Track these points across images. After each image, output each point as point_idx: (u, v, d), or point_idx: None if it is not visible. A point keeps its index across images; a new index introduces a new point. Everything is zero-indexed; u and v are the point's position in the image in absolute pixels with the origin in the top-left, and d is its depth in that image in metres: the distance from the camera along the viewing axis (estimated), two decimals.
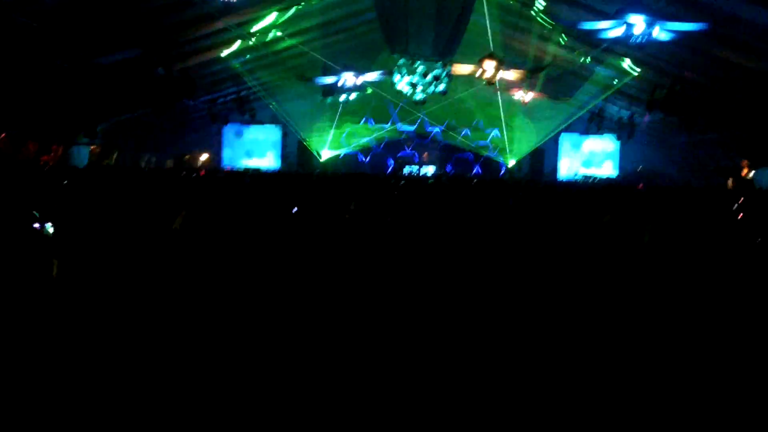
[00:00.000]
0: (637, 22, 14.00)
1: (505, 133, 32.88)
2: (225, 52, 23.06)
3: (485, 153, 34.16)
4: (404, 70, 23.07)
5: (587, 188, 19.85)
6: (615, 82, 24.22)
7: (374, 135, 33.84)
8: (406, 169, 33.50)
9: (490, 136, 33.53)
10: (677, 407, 4.51)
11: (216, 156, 34.00)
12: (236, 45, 22.65)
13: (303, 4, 20.48)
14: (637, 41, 14.34)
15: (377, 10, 20.65)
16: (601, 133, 32.21)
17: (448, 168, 34.29)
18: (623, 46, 18.77)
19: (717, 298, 6.19)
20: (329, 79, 24.42)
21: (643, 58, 20.23)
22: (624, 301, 6.11)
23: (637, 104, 25.87)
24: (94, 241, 7.49)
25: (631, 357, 5.15)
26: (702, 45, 17.09)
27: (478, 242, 8.39)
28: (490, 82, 22.20)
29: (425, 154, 34.98)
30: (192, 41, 20.82)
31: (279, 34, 22.94)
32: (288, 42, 24.16)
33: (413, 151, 34.96)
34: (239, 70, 25.60)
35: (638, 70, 21.59)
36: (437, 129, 33.90)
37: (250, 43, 22.38)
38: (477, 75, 22.34)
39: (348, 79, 23.65)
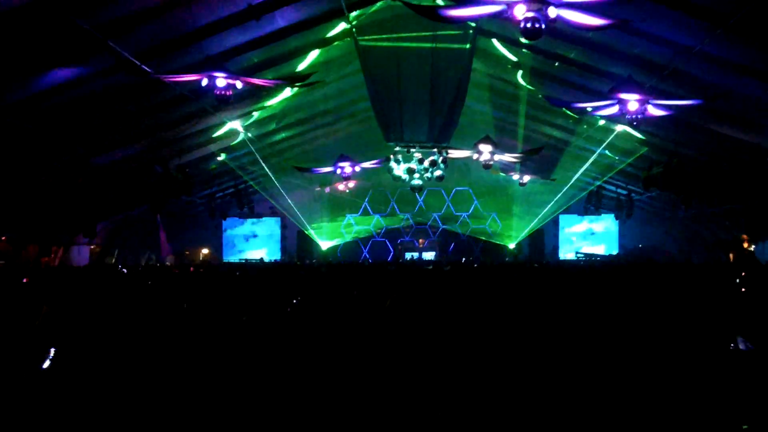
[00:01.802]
0: (631, 99, 14.06)
1: (504, 215, 33.01)
2: (221, 147, 23.21)
3: (484, 237, 34.23)
4: (401, 157, 23.18)
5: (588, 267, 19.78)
6: (621, 165, 24.21)
7: (373, 223, 33.94)
8: (407, 255, 33.48)
9: (489, 220, 33.64)
10: None
11: (216, 250, 34.02)
12: (233, 139, 22.80)
13: (297, 95, 20.66)
14: (632, 119, 14.37)
15: (371, 99, 20.82)
16: (599, 213, 32.31)
17: (449, 253, 34.30)
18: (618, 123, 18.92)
19: (722, 375, 6.07)
20: (326, 169, 24.52)
21: (637, 135, 20.35)
22: (626, 380, 5.98)
23: (634, 182, 25.93)
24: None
25: None
26: (697, 120, 17.18)
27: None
28: (487, 166, 22.26)
29: (421, 240, 35.01)
30: (188, 137, 20.94)
31: (274, 126, 23.12)
32: (284, 134, 24.34)
33: (412, 238, 34.99)
34: (235, 165, 25.75)
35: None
36: (435, 215, 34.02)
37: (245, 136, 22.50)
38: (473, 159, 22.44)
39: (345, 167, 23.74)
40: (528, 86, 19.94)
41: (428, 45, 18.35)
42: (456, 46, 18.48)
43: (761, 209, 20.67)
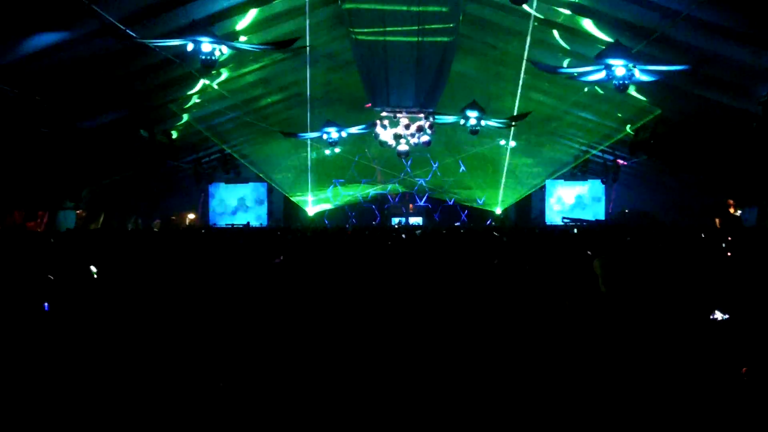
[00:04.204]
0: (617, 65, 14.08)
1: (491, 181, 32.99)
2: (206, 112, 23.07)
3: (471, 203, 34.24)
4: (387, 123, 23.13)
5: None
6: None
7: (360, 188, 33.89)
8: (394, 221, 33.50)
9: (475, 186, 33.62)
10: None
11: (202, 215, 33.96)
12: (218, 104, 22.66)
13: (283, 60, 20.55)
14: (619, 84, 14.38)
15: (358, 64, 20.76)
16: (586, 179, 32.40)
17: (436, 218, 34.38)
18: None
19: (708, 340, 6.12)
20: (312, 134, 24.46)
21: (625, 100, 20.30)
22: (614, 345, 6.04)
23: (621, 147, 25.95)
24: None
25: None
26: (683, 85, 17.19)
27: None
28: (474, 131, 22.22)
29: (411, 205, 35.03)
30: (173, 102, 20.84)
31: (260, 90, 23.00)
32: (270, 98, 24.22)
33: (399, 204, 35.00)
34: (221, 131, 25.63)
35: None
36: (422, 180, 33.98)
37: (227, 96, 22.31)
38: (460, 124, 22.38)
39: (331, 133, 23.68)
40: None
41: (414, 38, 18.61)
42: (441, 29, 18.68)
43: (747, 174, 20.75)
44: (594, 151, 28.01)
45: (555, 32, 17.66)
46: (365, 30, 18.84)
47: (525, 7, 15.35)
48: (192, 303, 7.20)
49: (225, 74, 19.82)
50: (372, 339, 6.21)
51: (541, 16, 16.80)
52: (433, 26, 18.45)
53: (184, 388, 5.11)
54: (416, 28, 18.47)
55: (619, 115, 22.45)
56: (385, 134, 23.20)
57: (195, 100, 21.53)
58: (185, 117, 22.74)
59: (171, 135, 22.58)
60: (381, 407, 4.83)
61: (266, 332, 6.40)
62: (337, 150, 26.62)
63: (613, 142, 25.82)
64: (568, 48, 18.26)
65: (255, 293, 7.88)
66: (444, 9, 18.12)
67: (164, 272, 9.07)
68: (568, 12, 15.90)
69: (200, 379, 5.26)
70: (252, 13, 16.33)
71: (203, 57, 14.11)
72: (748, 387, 4.98)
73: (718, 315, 6.62)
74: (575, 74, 16.13)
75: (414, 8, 17.86)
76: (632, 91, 17.84)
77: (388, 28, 18.63)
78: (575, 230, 20.65)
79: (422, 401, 4.91)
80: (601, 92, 20.43)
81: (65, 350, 5.76)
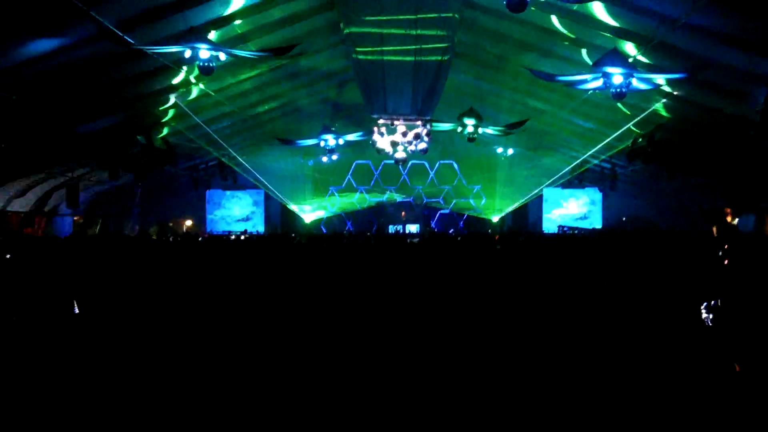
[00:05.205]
0: (615, 73, 14.07)
1: (488, 189, 33.02)
2: (205, 118, 22.99)
3: (468, 211, 34.27)
4: (384, 130, 23.10)
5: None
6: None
7: (357, 196, 33.90)
8: (391, 228, 33.48)
9: (472, 194, 33.65)
10: None
11: (199, 221, 33.94)
12: (213, 111, 22.55)
13: (281, 66, 20.49)
14: (616, 91, 14.35)
15: (355, 71, 20.76)
16: (583, 187, 32.39)
17: (433, 225, 34.38)
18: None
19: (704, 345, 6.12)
20: (309, 141, 24.44)
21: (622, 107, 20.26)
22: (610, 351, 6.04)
23: (618, 154, 25.85)
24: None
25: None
26: (681, 91, 17.18)
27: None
28: (471, 139, 22.21)
29: (402, 213, 35.04)
30: (170, 108, 20.77)
31: (257, 97, 22.93)
32: (267, 105, 24.18)
33: (396, 211, 35.01)
34: (217, 137, 25.54)
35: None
36: (419, 188, 34.01)
37: (224, 102, 22.22)
38: (458, 131, 22.38)
39: (328, 140, 23.67)
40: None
41: (411, 58, 18.77)
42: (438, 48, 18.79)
43: (744, 180, 20.75)
44: (595, 161, 27.91)
45: (554, 40, 17.62)
46: (365, 49, 18.95)
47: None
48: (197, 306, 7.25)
49: (222, 81, 19.75)
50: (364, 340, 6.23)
51: (540, 24, 16.77)
52: (430, 46, 18.61)
53: (188, 386, 5.13)
54: (414, 47, 18.59)
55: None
56: (383, 141, 23.16)
57: (193, 106, 21.44)
58: (183, 122, 22.63)
59: (168, 141, 22.52)
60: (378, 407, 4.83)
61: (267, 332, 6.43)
62: (334, 157, 26.63)
63: (610, 148, 25.71)
64: (566, 55, 18.21)
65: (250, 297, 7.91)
66: (441, 33, 18.20)
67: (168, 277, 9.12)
68: (566, 19, 15.86)
69: (203, 378, 5.27)
70: (249, 20, 16.31)
71: (201, 63, 14.13)
72: (745, 387, 4.99)
73: (714, 317, 6.62)
74: (573, 82, 16.12)
75: (412, 32, 17.95)
76: (633, 98, 17.81)
77: (386, 48, 18.74)
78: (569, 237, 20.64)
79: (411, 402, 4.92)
80: (605, 101, 20.33)
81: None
